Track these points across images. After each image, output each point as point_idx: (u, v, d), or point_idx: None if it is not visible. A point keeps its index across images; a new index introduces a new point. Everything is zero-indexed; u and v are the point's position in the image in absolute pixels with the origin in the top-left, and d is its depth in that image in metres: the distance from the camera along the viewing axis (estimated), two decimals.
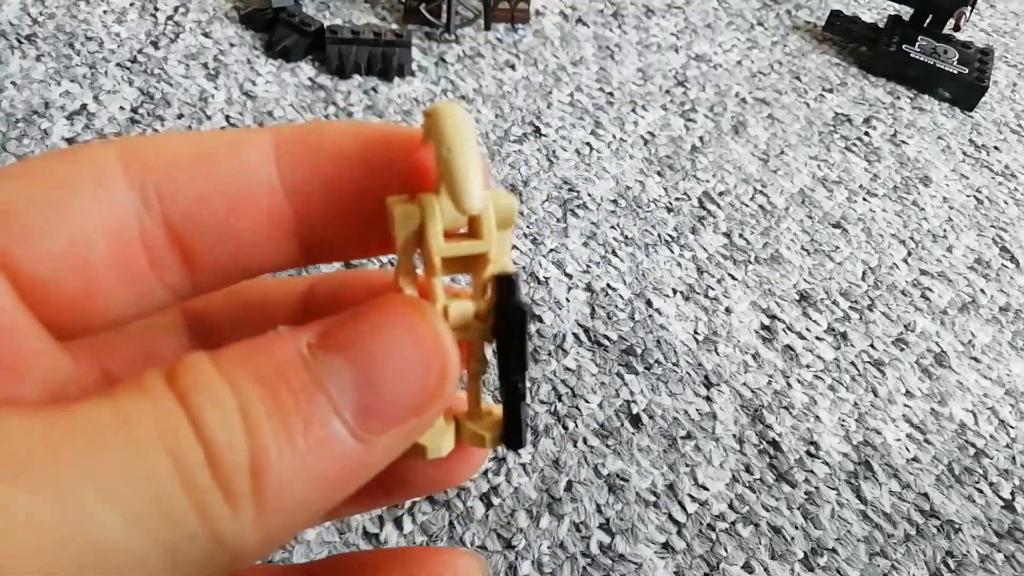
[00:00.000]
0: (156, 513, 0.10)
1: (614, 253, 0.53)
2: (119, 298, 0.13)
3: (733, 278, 0.53)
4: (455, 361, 0.12)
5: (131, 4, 0.68)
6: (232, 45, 0.66)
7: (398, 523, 0.38)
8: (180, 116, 0.59)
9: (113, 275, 0.13)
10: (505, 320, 0.13)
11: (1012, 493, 0.44)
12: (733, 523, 0.41)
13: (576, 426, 0.44)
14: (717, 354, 0.48)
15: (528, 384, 0.12)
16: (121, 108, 0.59)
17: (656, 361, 0.47)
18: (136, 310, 0.13)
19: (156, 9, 0.68)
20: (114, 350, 0.15)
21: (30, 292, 0.12)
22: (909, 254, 0.57)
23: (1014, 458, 0.46)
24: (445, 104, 0.13)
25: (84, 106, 0.58)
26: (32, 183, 0.12)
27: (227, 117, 0.59)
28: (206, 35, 0.66)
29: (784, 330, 0.50)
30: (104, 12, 0.67)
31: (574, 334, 0.48)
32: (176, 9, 0.68)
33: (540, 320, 0.49)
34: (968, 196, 0.63)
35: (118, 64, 0.62)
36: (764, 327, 0.50)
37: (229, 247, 0.13)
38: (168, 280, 0.13)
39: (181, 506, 0.10)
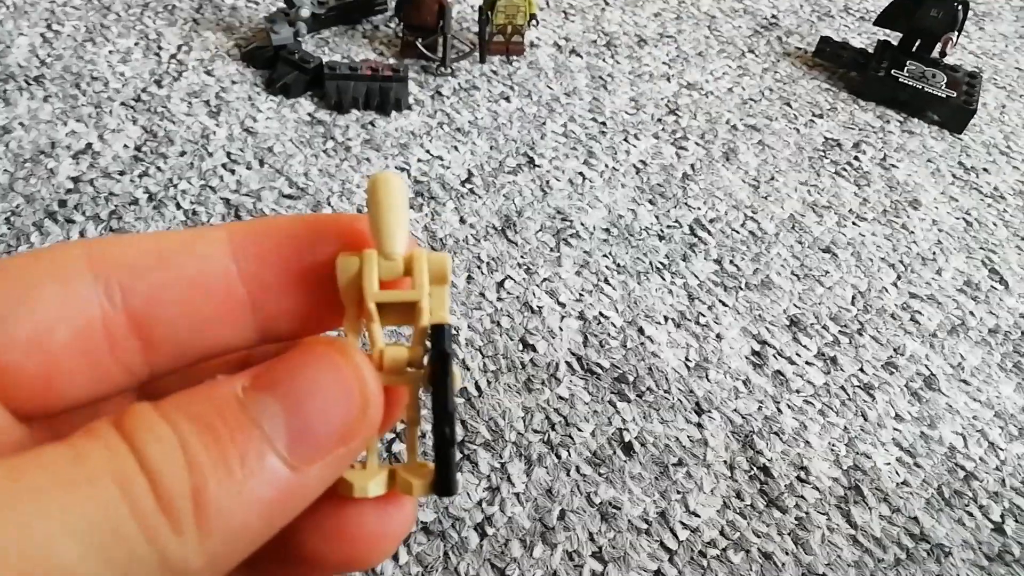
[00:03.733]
0: (109, 538, 0.11)
1: (606, 281, 0.54)
2: (79, 382, 0.14)
3: (724, 304, 0.54)
4: (376, 394, 0.14)
5: (135, 44, 0.70)
6: (233, 83, 0.67)
7: (393, 555, 0.39)
8: (183, 153, 0.60)
9: (74, 361, 0.14)
10: (434, 370, 0.14)
11: (1002, 516, 0.45)
12: (724, 550, 0.42)
13: (569, 455, 0.44)
14: (708, 380, 0.49)
15: (457, 430, 0.13)
16: (125, 146, 0.60)
17: (648, 388, 0.48)
18: (95, 392, 0.15)
19: (160, 48, 0.70)
20: (72, 425, 0.16)
21: None
22: (899, 277, 0.58)
23: (1004, 480, 0.46)
24: (382, 173, 0.15)
25: (89, 145, 0.60)
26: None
27: (228, 154, 0.61)
28: (208, 73, 0.68)
29: (774, 355, 0.51)
30: (109, 52, 0.69)
31: (567, 362, 0.49)
32: (179, 48, 0.70)
33: (533, 349, 0.50)
34: (957, 219, 0.64)
35: (123, 103, 0.64)
36: (755, 353, 0.51)
37: (188, 331, 0.15)
38: (126, 363, 0.14)
39: (131, 531, 0.11)
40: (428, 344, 0.15)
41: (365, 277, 0.14)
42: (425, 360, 0.15)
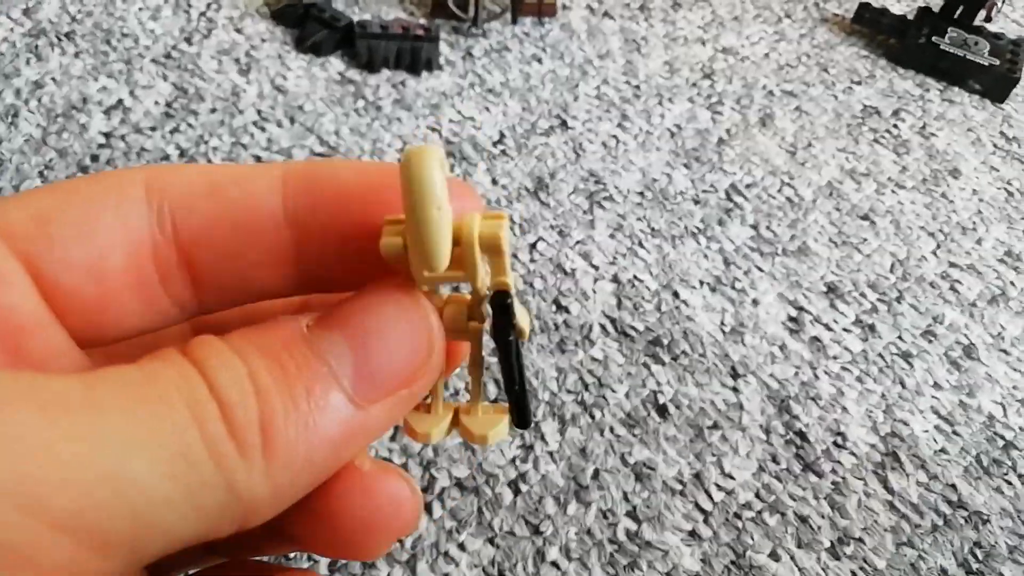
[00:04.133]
0: (179, 459, 0.11)
1: (641, 245, 0.54)
2: (131, 309, 0.14)
3: (760, 270, 0.53)
4: (440, 338, 0.14)
5: (165, 1, 0.69)
6: (263, 40, 0.67)
7: (427, 508, 0.39)
8: (213, 110, 0.60)
9: (127, 287, 0.14)
10: (497, 335, 0.14)
11: None
12: (760, 512, 0.41)
13: (603, 415, 0.44)
14: (744, 345, 0.49)
15: (524, 378, 0.13)
16: (156, 103, 0.60)
17: (683, 352, 0.48)
18: (147, 323, 0.14)
19: (189, 6, 0.69)
20: (126, 357, 0.16)
21: (54, 298, 0.13)
22: (938, 246, 0.57)
23: None
24: (413, 153, 0.12)
25: (120, 101, 0.60)
26: (62, 199, 0.13)
27: (259, 111, 0.60)
28: (238, 31, 0.67)
29: (811, 322, 0.50)
30: (140, 9, 0.68)
31: (600, 325, 0.49)
32: (208, 5, 0.70)
33: (567, 311, 0.49)
34: (998, 188, 0.63)
35: (153, 60, 0.64)
36: (791, 319, 0.50)
37: (233, 269, 0.14)
38: (177, 296, 0.14)
39: (201, 455, 0.11)
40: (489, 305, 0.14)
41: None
42: (487, 318, 0.15)
